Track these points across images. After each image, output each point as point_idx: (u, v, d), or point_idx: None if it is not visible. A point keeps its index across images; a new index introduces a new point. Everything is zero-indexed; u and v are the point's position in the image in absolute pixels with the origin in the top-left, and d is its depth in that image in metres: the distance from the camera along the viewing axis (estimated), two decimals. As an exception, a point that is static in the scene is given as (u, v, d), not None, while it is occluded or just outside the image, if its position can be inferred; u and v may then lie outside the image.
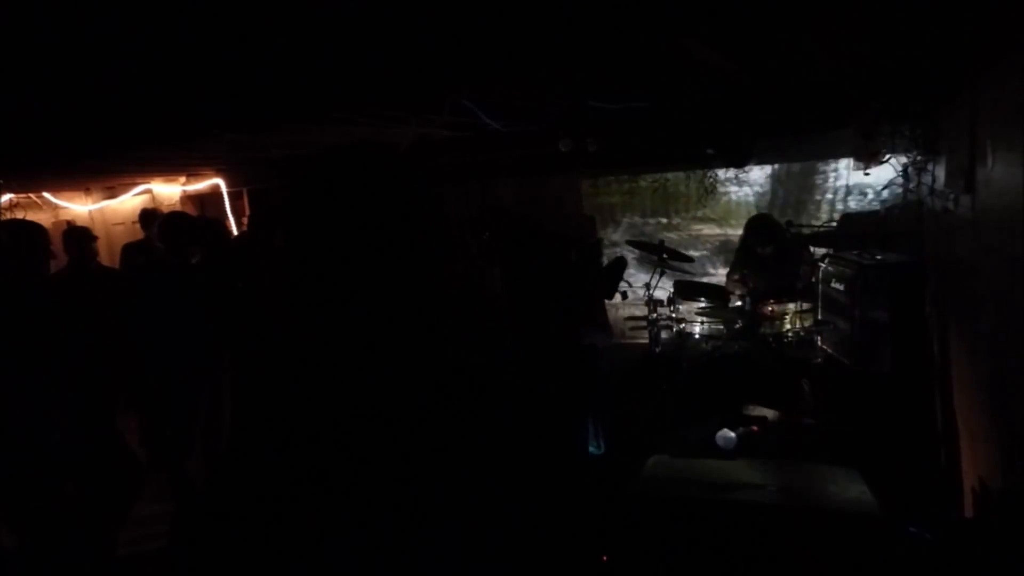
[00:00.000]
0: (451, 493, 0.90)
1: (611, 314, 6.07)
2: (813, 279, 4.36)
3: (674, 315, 4.79)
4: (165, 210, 6.25)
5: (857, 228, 4.41)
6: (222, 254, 4.21)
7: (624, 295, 4.77)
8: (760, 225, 4.76)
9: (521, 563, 0.92)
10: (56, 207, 7.37)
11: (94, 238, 4.61)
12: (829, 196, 5.12)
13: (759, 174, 5.37)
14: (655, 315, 4.87)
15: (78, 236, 4.47)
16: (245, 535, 0.91)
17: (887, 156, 3.75)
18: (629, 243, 5.62)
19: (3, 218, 6.15)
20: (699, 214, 5.74)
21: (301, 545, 0.86)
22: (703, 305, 4.74)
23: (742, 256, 4.89)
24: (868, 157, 3.77)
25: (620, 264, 4.34)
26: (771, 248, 4.67)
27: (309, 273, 0.91)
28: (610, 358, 4.40)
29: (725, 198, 5.58)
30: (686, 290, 4.83)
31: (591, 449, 3.70)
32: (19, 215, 6.62)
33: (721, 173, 5.38)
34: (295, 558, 0.86)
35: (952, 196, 3.06)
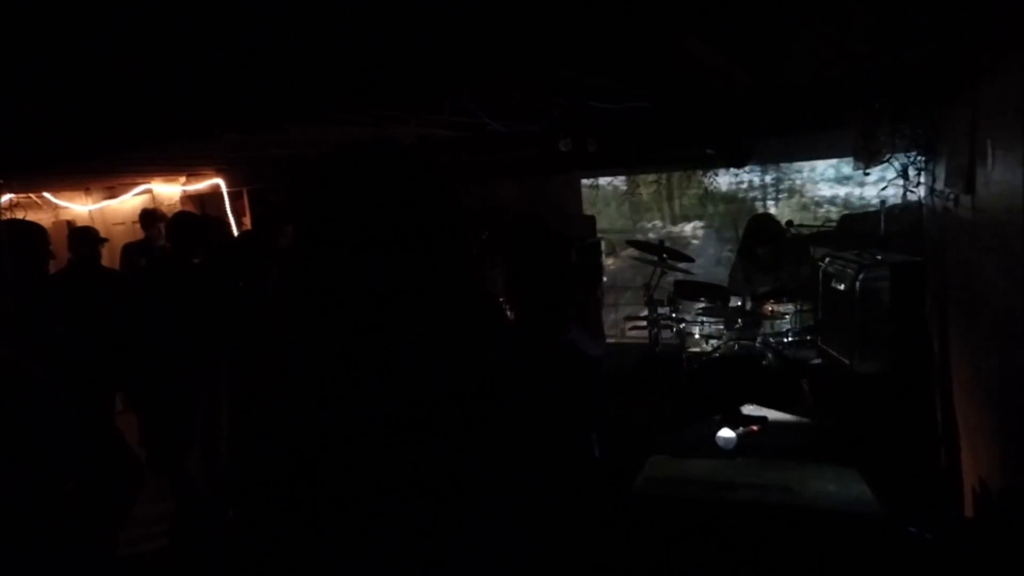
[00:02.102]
0: (463, 494, 0.89)
1: (611, 315, 6.07)
2: (813, 279, 4.36)
3: (674, 315, 4.79)
4: (165, 210, 6.24)
5: (857, 228, 4.41)
6: (223, 253, 4.21)
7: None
8: (760, 225, 4.77)
9: (523, 562, 0.92)
10: (56, 207, 7.37)
11: (103, 240, 4.61)
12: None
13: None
14: (655, 315, 4.87)
15: (86, 236, 4.46)
16: (252, 540, 0.91)
17: (887, 156, 3.75)
18: (629, 243, 5.63)
19: (3, 218, 6.15)
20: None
21: (310, 548, 0.85)
22: (703, 305, 4.74)
23: (743, 256, 4.90)
24: (868, 157, 3.77)
25: (595, 247, 4.37)
26: (771, 248, 4.67)
27: (324, 274, 0.90)
28: (608, 360, 4.40)
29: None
30: (686, 290, 4.83)
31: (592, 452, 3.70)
32: (19, 215, 6.62)
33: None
34: (304, 561, 0.86)
35: (952, 196, 3.06)
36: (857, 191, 5.67)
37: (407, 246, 0.89)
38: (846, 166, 5.67)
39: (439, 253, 0.91)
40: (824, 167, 5.82)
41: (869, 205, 5.19)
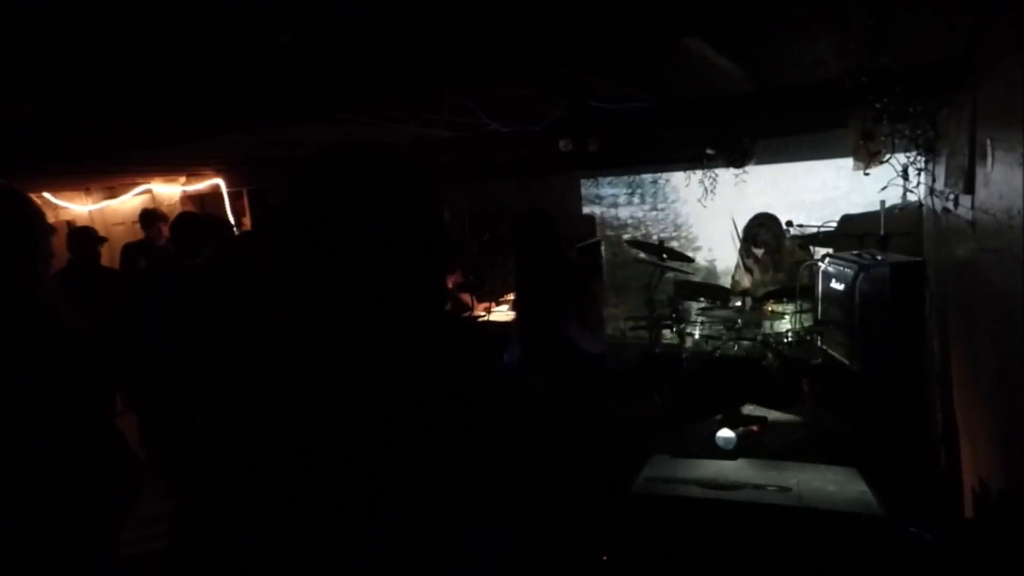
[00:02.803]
0: (463, 494, 0.89)
1: (611, 315, 6.07)
2: (813, 279, 4.36)
3: (674, 315, 4.79)
4: (165, 210, 6.25)
5: (857, 228, 4.41)
6: (222, 254, 4.21)
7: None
8: (759, 224, 4.77)
9: (522, 562, 0.92)
10: (56, 207, 7.37)
11: (102, 240, 4.62)
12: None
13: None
14: (655, 315, 4.88)
15: (86, 236, 4.47)
16: (249, 540, 0.90)
17: (887, 156, 3.75)
18: (629, 243, 5.63)
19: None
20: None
21: (307, 548, 0.85)
22: (703, 305, 4.74)
23: (743, 255, 4.91)
24: (868, 157, 3.77)
25: (595, 247, 4.38)
26: (771, 248, 4.67)
27: (305, 274, 0.90)
28: (608, 359, 4.41)
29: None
30: (686, 290, 4.83)
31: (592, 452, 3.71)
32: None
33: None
34: (300, 562, 0.85)
35: (952, 196, 3.06)
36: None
37: (405, 247, 0.89)
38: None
39: (436, 253, 0.92)
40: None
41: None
